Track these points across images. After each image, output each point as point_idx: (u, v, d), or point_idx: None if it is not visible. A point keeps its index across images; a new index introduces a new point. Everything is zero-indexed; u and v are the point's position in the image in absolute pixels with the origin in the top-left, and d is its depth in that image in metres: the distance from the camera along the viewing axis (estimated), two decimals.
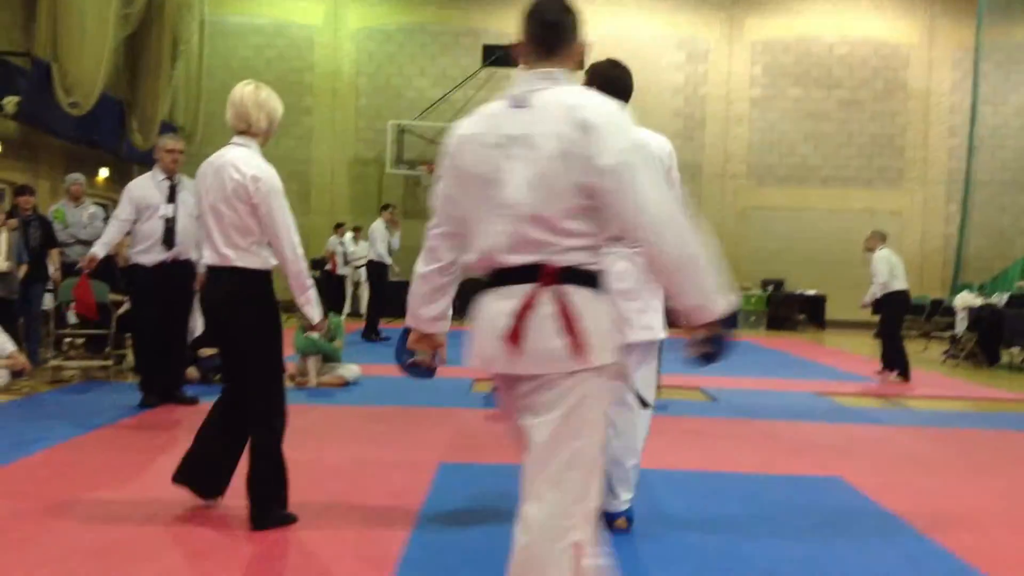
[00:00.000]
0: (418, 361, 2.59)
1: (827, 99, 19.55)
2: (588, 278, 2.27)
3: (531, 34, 2.37)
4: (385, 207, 13.50)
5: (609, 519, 3.63)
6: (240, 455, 3.95)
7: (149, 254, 6.61)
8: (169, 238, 6.57)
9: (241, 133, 3.88)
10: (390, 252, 13.16)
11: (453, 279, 2.53)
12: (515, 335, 2.23)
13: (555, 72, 2.34)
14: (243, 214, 3.76)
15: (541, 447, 2.24)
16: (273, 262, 3.90)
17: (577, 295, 2.23)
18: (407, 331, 2.62)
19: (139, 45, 15.70)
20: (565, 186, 2.21)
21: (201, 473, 4.04)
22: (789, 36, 19.51)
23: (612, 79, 3.76)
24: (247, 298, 3.81)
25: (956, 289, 18.27)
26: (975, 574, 3.47)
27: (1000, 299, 13.13)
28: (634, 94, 3.85)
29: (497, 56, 19.02)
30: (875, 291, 9.97)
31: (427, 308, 2.53)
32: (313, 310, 3.94)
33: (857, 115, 19.58)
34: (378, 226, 13.06)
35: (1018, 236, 19.71)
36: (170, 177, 6.66)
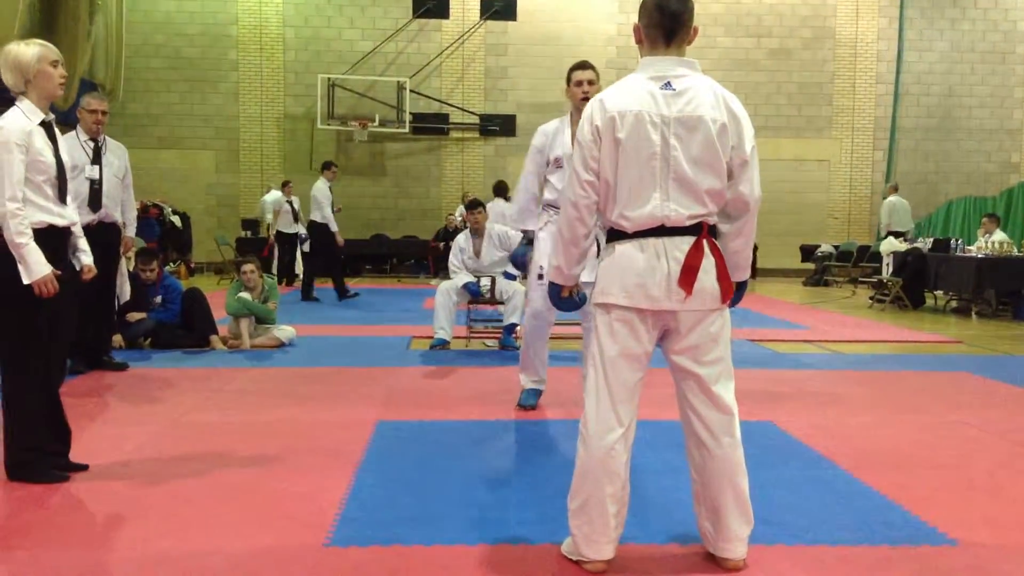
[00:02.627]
0: (574, 298, 3.12)
1: (757, 48, 19.69)
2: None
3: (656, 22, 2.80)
4: (327, 165, 12.90)
5: None
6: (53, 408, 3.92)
7: None
8: (95, 200, 6.37)
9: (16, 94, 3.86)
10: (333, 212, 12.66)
11: (592, 242, 3.00)
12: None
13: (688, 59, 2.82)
14: None
15: None
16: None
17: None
18: (557, 286, 3.07)
19: None
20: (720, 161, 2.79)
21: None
22: None
23: None
24: None
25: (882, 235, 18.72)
26: (899, 510, 3.59)
27: (924, 244, 13.49)
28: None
29: (428, 7, 18.72)
30: None
31: (577, 267, 3.01)
32: (23, 268, 3.67)
33: (786, 64, 19.77)
34: (321, 186, 12.48)
35: (942, 182, 20.22)
36: (94, 138, 6.46)
